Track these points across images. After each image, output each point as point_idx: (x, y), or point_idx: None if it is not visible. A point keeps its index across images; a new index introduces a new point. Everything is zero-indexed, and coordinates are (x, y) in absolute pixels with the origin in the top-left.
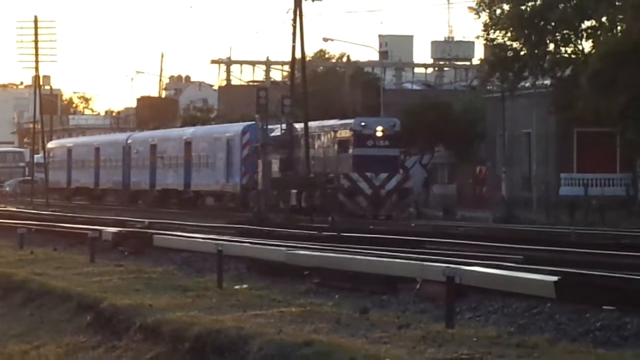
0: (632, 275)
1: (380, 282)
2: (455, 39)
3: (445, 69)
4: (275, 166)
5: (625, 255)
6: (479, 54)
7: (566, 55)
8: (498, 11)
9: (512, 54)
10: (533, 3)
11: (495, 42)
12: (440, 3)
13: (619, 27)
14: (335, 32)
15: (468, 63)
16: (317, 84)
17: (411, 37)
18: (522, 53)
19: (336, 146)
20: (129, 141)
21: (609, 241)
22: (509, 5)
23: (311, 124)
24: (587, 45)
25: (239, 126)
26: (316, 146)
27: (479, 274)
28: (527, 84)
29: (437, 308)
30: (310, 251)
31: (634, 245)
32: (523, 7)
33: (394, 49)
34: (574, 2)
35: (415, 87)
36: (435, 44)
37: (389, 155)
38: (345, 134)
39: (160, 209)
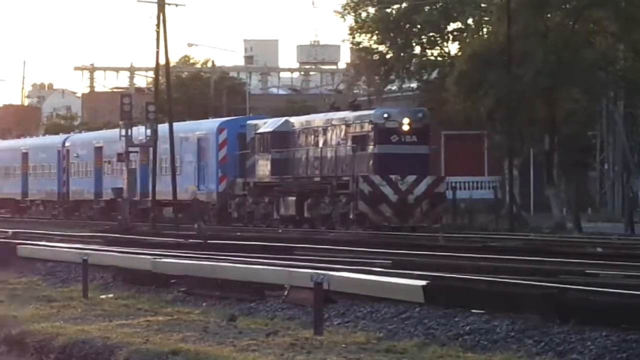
0: (499, 278)
1: (248, 289)
2: (321, 43)
3: (312, 73)
4: (266, 168)
5: (493, 258)
6: (345, 57)
7: (432, 57)
8: (364, 14)
9: (378, 57)
10: (399, 6)
11: (361, 46)
12: (305, 7)
13: (485, 30)
14: (200, 38)
15: (334, 67)
16: (182, 89)
17: (276, 41)
18: (388, 56)
19: (350, 143)
20: (67, 144)
21: (477, 244)
22: (374, 9)
23: (312, 117)
24: (453, 48)
25: (213, 123)
26: (320, 143)
27: (347, 279)
28: (394, 87)
29: (305, 314)
30: (177, 259)
31: (501, 249)
32: (389, 10)
33: (260, 53)
34: (440, 4)
35: (281, 91)
36: (301, 48)
37: (417, 154)
38: (362, 128)
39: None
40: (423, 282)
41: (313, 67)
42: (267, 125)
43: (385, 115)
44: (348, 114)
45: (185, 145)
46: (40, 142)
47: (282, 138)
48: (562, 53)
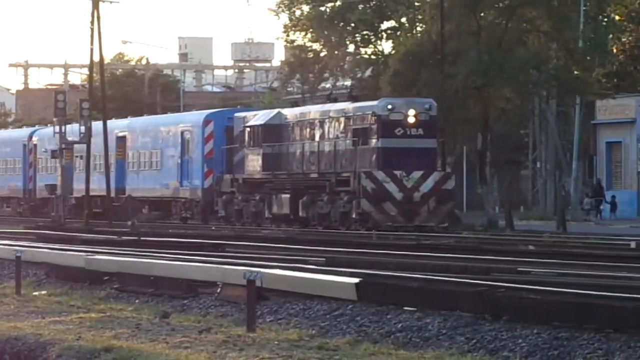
0: (432, 275)
1: (181, 286)
2: (256, 41)
3: (246, 70)
4: (256, 164)
5: (426, 256)
6: (279, 55)
7: (366, 56)
8: (298, 12)
9: (312, 55)
10: (333, 4)
11: (295, 44)
12: (239, 4)
13: (418, 28)
14: (135, 35)
15: (268, 64)
16: (116, 86)
17: (210, 39)
18: (322, 54)
19: (350, 136)
20: (34, 138)
21: (410, 242)
22: (308, 7)
23: (307, 108)
24: (387, 46)
25: (198, 115)
26: (317, 137)
27: (280, 276)
28: (328, 85)
29: (238, 311)
30: (110, 256)
31: (434, 246)
32: (323, 9)
33: (194, 51)
34: (374, 3)
35: (215, 89)
36: (235, 46)
37: (423, 147)
38: (364, 120)
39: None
40: (356, 280)
41: (247, 64)
42: (258, 117)
43: (389, 107)
44: (348, 105)
45: (167, 138)
46: (5, 135)
47: (274, 131)
48: (495, 52)
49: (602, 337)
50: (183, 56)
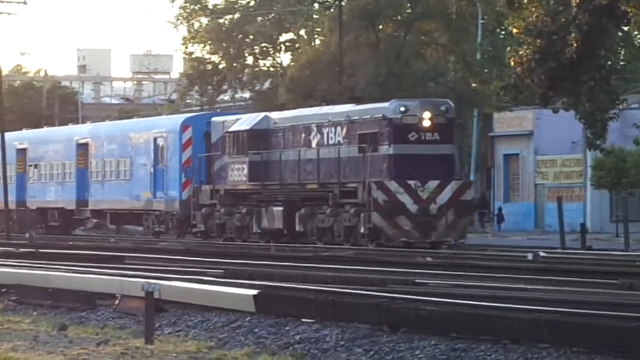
0: (330, 287)
1: (80, 298)
2: (154, 53)
3: (144, 82)
4: (241, 173)
5: (324, 268)
6: (178, 67)
7: (265, 68)
8: (197, 24)
9: (211, 67)
10: (231, 17)
11: (193, 56)
12: (138, 16)
13: (317, 41)
14: (33, 47)
15: (167, 76)
16: (14, 98)
17: (109, 50)
18: (221, 66)
19: (356, 142)
20: None
21: (309, 254)
22: (207, 19)
23: (299, 112)
24: (285, 59)
25: (174, 119)
26: (314, 144)
27: (179, 288)
28: (227, 97)
29: (136, 323)
30: (7, 268)
31: (333, 258)
32: (221, 21)
33: (93, 62)
34: (272, 15)
35: (114, 100)
36: (134, 58)
37: (440, 154)
38: (372, 124)
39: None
40: (254, 292)
41: (146, 76)
42: (241, 122)
43: (402, 109)
44: (352, 108)
45: (137, 145)
46: None
47: (262, 137)
48: (393, 64)
49: (499, 348)
50: (82, 68)
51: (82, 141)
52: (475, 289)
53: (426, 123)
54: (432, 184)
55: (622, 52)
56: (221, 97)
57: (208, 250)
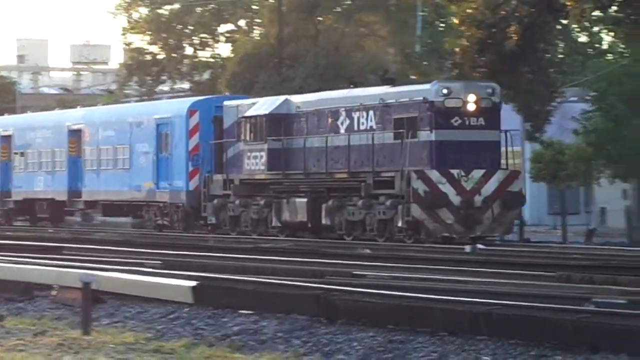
0: (268, 279)
1: (17, 289)
2: (93, 43)
3: (83, 72)
4: (259, 161)
5: (263, 259)
6: (117, 57)
7: (204, 59)
8: (136, 15)
9: (150, 57)
10: (171, 7)
11: (133, 46)
12: (77, 6)
13: (256, 32)
14: None
15: (106, 66)
16: None
17: (47, 40)
18: (160, 57)
19: (392, 127)
20: None
21: (248, 245)
22: (147, 9)
23: (325, 94)
24: (225, 50)
25: (181, 103)
26: (342, 129)
27: (116, 279)
28: (166, 88)
29: (74, 314)
30: None
31: (272, 250)
32: (160, 11)
33: (31, 52)
34: (211, 6)
35: (52, 90)
36: (73, 48)
37: (486, 141)
38: (411, 107)
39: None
40: (193, 283)
41: (85, 66)
42: (259, 106)
43: (445, 91)
44: (387, 90)
45: (137, 132)
46: None
47: (282, 122)
48: (333, 56)
49: (437, 340)
50: (20, 58)
51: (75, 127)
52: (412, 281)
53: (471, 107)
54: (477, 173)
55: (561, 45)
56: (160, 87)
57: (146, 241)
